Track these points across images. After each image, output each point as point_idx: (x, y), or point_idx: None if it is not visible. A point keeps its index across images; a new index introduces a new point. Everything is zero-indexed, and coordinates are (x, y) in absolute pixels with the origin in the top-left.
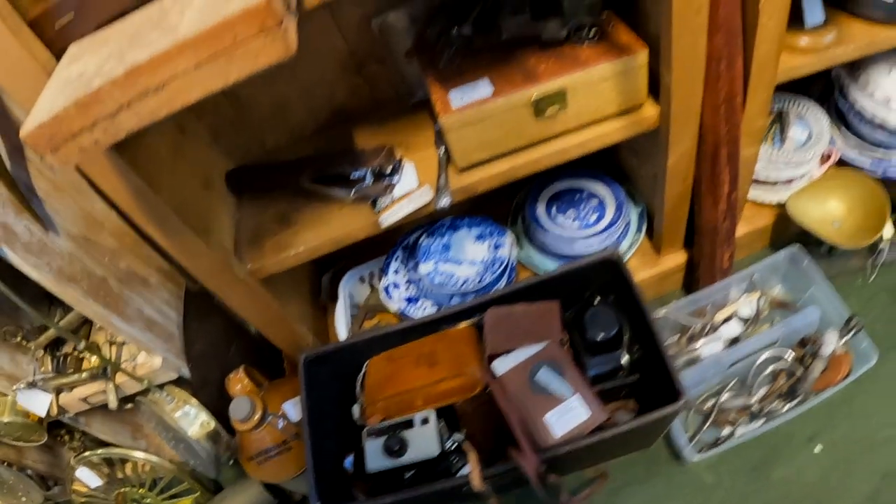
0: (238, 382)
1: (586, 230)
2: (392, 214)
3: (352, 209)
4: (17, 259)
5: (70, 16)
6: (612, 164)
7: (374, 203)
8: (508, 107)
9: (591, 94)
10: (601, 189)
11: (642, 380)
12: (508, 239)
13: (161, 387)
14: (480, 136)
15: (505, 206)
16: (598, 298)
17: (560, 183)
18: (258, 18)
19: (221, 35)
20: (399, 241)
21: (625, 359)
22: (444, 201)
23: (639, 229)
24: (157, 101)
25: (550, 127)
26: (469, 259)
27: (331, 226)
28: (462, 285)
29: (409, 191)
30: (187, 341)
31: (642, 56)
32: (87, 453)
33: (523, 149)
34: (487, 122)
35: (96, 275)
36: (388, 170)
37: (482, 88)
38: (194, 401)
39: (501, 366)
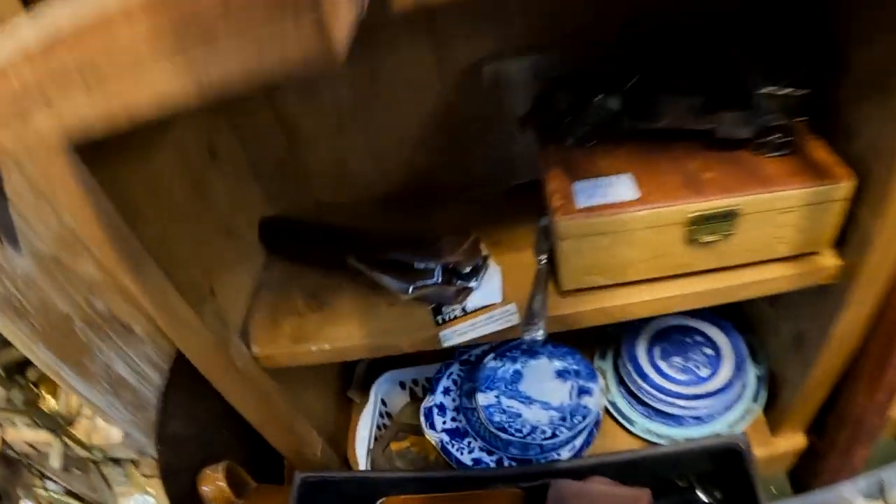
0: (211, 482)
1: (694, 387)
2: (459, 333)
3: (406, 310)
4: None
5: None
6: (731, 306)
7: (437, 310)
8: (655, 221)
9: (767, 226)
10: (718, 336)
11: None
12: (598, 386)
13: (118, 461)
14: (604, 253)
15: (591, 331)
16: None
17: (668, 318)
18: None
19: None
20: (458, 354)
21: None
22: (535, 332)
23: (755, 398)
24: (91, 97)
25: (700, 258)
26: (543, 399)
27: (372, 326)
28: (528, 434)
29: (489, 305)
30: (164, 415)
31: (846, 188)
32: (39, 489)
33: (656, 281)
34: (620, 236)
35: (57, 311)
36: (467, 269)
37: (623, 188)
38: (154, 491)
39: None
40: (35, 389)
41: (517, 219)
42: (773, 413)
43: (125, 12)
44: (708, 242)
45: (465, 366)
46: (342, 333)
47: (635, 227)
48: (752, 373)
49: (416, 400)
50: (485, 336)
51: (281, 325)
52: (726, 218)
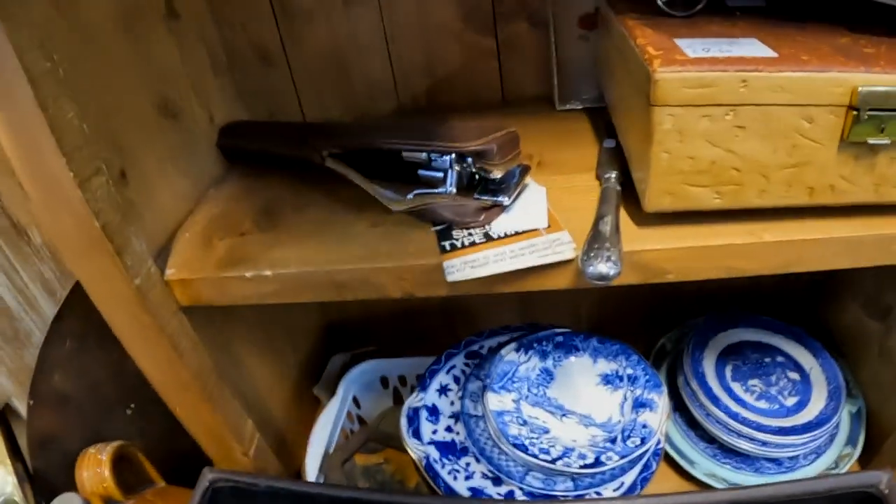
0: (90, 467)
1: (778, 419)
2: (475, 263)
3: (396, 232)
4: None
5: None
6: (814, 323)
7: (444, 234)
8: (806, 93)
9: None
10: (804, 357)
11: None
12: (664, 399)
13: None
14: (721, 145)
15: (641, 343)
16: None
17: (741, 331)
18: None
19: None
20: (465, 342)
21: None
22: (604, 263)
23: (851, 440)
24: None
25: (856, 180)
26: (582, 412)
27: (341, 250)
28: (558, 458)
29: (527, 231)
30: (47, 360)
31: None
32: None
33: (788, 215)
34: (749, 114)
35: None
36: (497, 174)
37: (753, 48)
38: (8, 462)
39: None
40: None
41: (571, 141)
42: (872, 462)
43: None
44: (873, 148)
45: (472, 359)
46: (293, 257)
47: (775, 102)
48: (845, 408)
49: (401, 404)
50: (516, 273)
51: (214, 246)
52: None
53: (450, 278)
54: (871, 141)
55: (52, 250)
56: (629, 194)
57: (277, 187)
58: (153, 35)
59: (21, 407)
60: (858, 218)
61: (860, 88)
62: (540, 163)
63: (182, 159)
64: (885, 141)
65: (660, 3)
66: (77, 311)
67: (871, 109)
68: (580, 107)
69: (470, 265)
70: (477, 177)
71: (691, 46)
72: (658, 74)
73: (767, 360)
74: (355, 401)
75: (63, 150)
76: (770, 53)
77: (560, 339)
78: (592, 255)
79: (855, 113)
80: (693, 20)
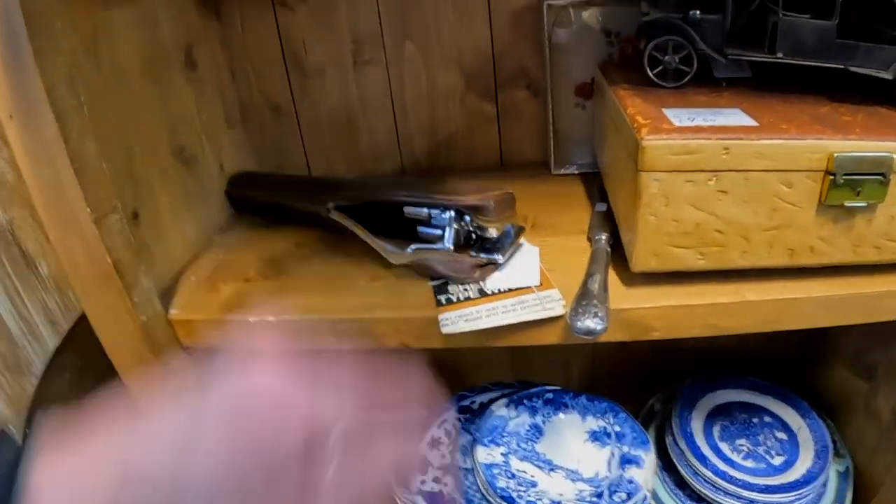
0: None
1: (766, 477)
2: (469, 317)
3: (395, 285)
4: None
5: None
6: (802, 383)
7: (441, 288)
8: (785, 159)
9: None
10: (792, 417)
11: None
12: (651, 457)
13: None
14: (705, 209)
15: (631, 403)
16: None
17: (729, 392)
18: None
19: None
20: (457, 397)
21: None
22: (590, 320)
23: (839, 499)
24: None
25: (835, 240)
26: (569, 467)
27: (342, 301)
28: None
29: (520, 288)
30: (46, 389)
31: None
32: None
33: (768, 275)
34: (731, 179)
35: None
36: (493, 233)
37: (736, 117)
38: None
39: None
40: None
41: (561, 204)
42: None
43: None
44: (850, 211)
45: (464, 413)
46: (296, 305)
47: (755, 168)
48: (832, 468)
49: None
50: (508, 328)
51: (218, 290)
52: (878, 174)
53: (445, 330)
54: (848, 204)
55: (60, 283)
56: (619, 255)
57: (282, 238)
58: (173, 82)
59: (18, 435)
60: (838, 277)
61: (836, 155)
62: (534, 224)
63: (192, 204)
64: (862, 203)
65: (651, 75)
66: (78, 345)
67: (846, 174)
68: (575, 171)
69: (464, 319)
70: (474, 235)
71: (678, 116)
72: (645, 142)
73: (755, 420)
74: None
75: (82, 185)
76: (751, 122)
77: (550, 395)
78: (581, 310)
79: (831, 178)
80: (682, 91)
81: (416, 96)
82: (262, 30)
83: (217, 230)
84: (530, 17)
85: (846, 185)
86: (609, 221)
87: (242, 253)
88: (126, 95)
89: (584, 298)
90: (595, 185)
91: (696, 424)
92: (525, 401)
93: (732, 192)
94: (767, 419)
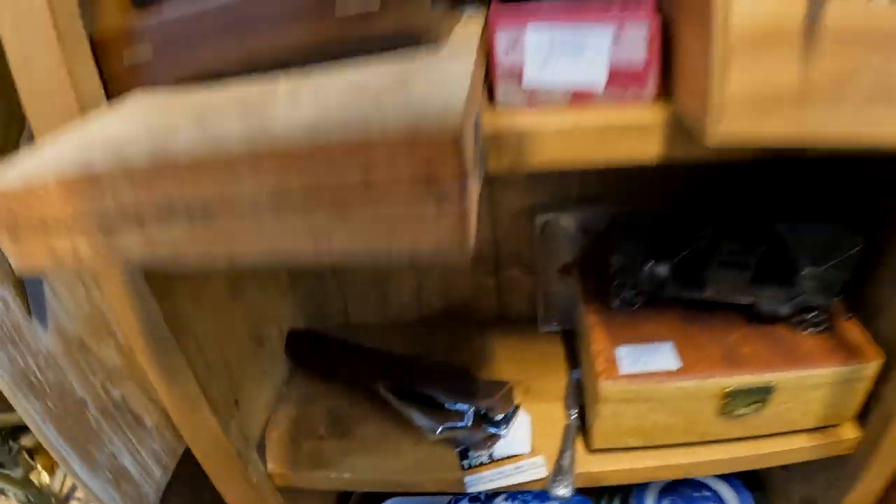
0: None
1: None
2: (486, 480)
3: (431, 449)
4: None
5: (147, 51)
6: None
7: (463, 454)
8: (694, 393)
9: (798, 400)
10: (727, 493)
11: None
12: None
13: None
14: (641, 418)
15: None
16: None
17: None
18: (421, 158)
19: (342, 161)
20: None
21: None
22: (562, 489)
23: None
24: (192, 232)
25: (730, 428)
26: None
27: (396, 461)
28: None
29: (516, 455)
30: None
31: (874, 367)
32: None
33: (684, 446)
34: (659, 403)
35: (73, 394)
36: (498, 417)
37: (665, 357)
38: None
39: None
40: (30, 461)
41: (547, 366)
42: None
43: (252, 161)
44: (742, 415)
45: (474, 503)
46: (364, 465)
47: (675, 397)
48: None
49: None
50: (510, 486)
51: (300, 446)
52: (761, 393)
53: (469, 489)
54: (738, 412)
55: (161, 429)
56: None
57: (338, 396)
58: (246, 285)
59: None
60: (734, 444)
61: (727, 389)
62: (527, 390)
63: (267, 372)
64: (748, 411)
65: (613, 307)
66: (182, 481)
67: (738, 397)
68: (558, 328)
69: (483, 481)
70: (484, 412)
71: (628, 357)
72: (602, 384)
73: (697, 495)
74: None
75: (210, 405)
76: (677, 364)
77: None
78: (556, 482)
79: (728, 399)
80: (637, 315)
81: (434, 269)
82: None
83: (283, 381)
84: (524, 217)
85: (739, 402)
86: (580, 391)
87: (308, 408)
88: (217, 311)
89: (558, 473)
90: (573, 344)
91: (650, 499)
92: (519, 495)
93: (661, 409)
94: (707, 494)
